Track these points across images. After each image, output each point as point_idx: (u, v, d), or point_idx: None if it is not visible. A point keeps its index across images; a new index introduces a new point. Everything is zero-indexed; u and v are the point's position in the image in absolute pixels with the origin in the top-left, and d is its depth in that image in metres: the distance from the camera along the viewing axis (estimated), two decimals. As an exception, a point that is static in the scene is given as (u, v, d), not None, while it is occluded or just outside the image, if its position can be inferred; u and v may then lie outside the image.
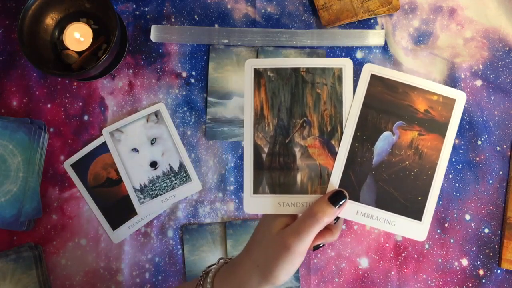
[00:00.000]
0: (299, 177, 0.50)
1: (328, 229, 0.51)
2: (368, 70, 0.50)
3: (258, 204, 0.50)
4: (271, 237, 0.48)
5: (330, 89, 0.50)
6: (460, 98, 0.50)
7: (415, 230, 0.49)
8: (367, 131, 0.50)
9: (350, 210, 0.49)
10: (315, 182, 0.50)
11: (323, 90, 0.50)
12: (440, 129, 0.50)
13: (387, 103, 0.50)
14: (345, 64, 0.50)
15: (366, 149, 0.50)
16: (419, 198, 0.49)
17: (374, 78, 0.50)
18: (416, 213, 0.49)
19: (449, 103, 0.50)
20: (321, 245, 0.50)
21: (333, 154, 0.50)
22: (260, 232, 0.50)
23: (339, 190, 0.49)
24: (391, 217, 0.49)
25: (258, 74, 0.51)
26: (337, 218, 0.51)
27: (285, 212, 0.50)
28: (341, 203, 0.48)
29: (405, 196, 0.49)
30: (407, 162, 0.49)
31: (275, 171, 0.50)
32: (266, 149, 0.51)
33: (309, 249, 0.48)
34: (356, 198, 0.49)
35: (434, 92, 0.50)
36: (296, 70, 0.51)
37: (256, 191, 0.51)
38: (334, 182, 0.50)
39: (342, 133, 0.50)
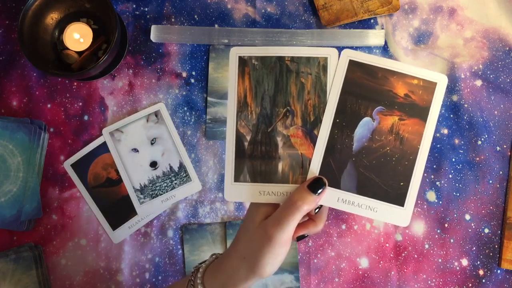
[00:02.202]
0: (280, 166, 0.50)
1: (311, 219, 0.51)
2: (346, 55, 0.50)
3: (239, 192, 0.50)
4: (254, 228, 0.48)
5: (315, 78, 0.50)
6: (441, 81, 0.49)
7: (398, 216, 0.49)
8: (346, 118, 0.49)
9: (331, 197, 0.49)
10: (296, 172, 0.50)
11: (307, 79, 0.50)
12: (421, 113, 0.49)
13: (366, 88, 0.49)
14: (330, 54, 0.50)
15: (346, 135, 0.49)
16: (401, 183, 0.49)
17: (352, 63, 0.49)
18: (398, 199, 0.49)
19: (430, 86, 0.49)
20: (305, 236, 0.50)
21: (316, 144, 0.50)
22: (244, 225, 0.50)
23: (318, 177, 0.48)
24: (373, 204, 0.49)
25: (243, 62, 0.51)
26: (319, 208, 0.51)
27: (265, 200, 0.50)
28: (320, 190, 0.48)
29: (386, 182, 0.49)
30: (388, 148, 0.49)
31: (256, 159, 0.50)
32: (248, 138, 0.50)
33: (293, 239, 0.48)
34: (337, 185, 0.49)
35: (414, 76, 0.49)
36: (280, 59, 0.50)
37: (237, 179, 0.50)
38: (314, 169, 0.49)
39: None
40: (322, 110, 0.50)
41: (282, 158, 0.50)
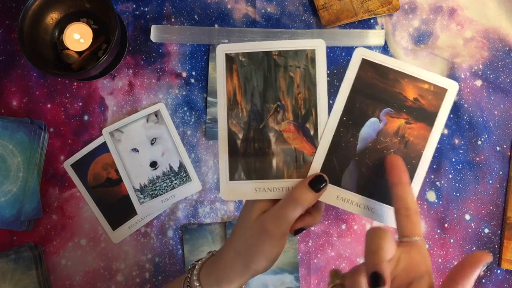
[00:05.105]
0: (274, 162, 0.50)
1: (308, 212, 0.50)
2: (359, 54, 0.49)
3: (235, 190, 0.50)
4: (251, 223, 0.48)
5: (303, 71, 0.49)
6: (451, 87, 0.48)
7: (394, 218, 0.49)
8: (353, 116, 0.49)
9: (331, 194, 0.49)
10: (291, 166, 0.49)
11: (296, 73, 0.49)
12: (428, 118, 0.48)
13: (376, 89, 0.49)
14: (318, 46, 0.49)
15: (351, 134, 0.49)
16: None
17: (365, 63, 0.49)
18: None
19: (440, 92, 0.48)
20: (303, 229, 0.49)
21: (308, 137, 0.49)
22: (240, 221, 0.50)
23: (320, 175, 0.48)
24: (371, 204, 0.48)
25: (230, 59, 0.50)
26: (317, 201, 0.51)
27: (262, 197, 0.49)
28: (321, 187, 0.47)
29: (387, 183, 0.48)
30: (392, 150, 0.48)
31: (250, 157, 0.50)
32: (240, 136, 0.50)
33: (290, 232, 0.48)
34: (337, 182, 0.49)
35: (425, 81, 0.48)
36: (268, 53, 0.50)
37: (232, 177, 0.50)
38: (316, 166, 0.49)
39: (317, 116, 0.49)
40: (313, 103, 0.49)
41: (275, 153, 0.50)
